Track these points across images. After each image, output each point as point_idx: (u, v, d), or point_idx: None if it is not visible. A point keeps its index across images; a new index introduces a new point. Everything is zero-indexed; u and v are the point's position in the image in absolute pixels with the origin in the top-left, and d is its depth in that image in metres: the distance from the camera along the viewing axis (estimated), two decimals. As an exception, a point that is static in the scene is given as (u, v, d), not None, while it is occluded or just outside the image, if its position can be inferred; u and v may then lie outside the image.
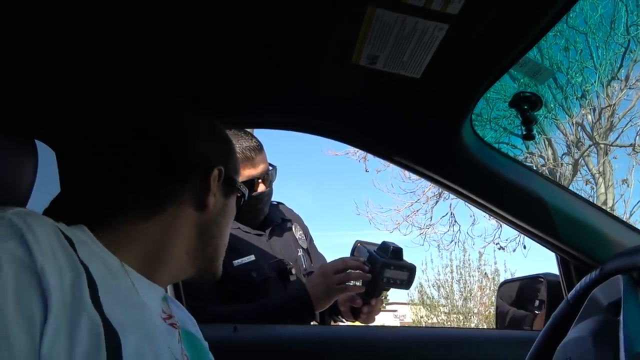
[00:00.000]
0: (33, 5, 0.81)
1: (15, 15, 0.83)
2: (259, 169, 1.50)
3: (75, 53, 0.94)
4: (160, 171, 0.68)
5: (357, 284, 1.36)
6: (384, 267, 1.24)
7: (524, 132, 0.97)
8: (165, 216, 0.67)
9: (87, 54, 0.94)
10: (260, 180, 1.50)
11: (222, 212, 0.74)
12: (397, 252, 1.26)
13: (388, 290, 1.34)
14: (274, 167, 1.58)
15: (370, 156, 9.58)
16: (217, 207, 0.72)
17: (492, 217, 1.20)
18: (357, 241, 1.37)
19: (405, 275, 1.25)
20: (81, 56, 0.95)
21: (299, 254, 1.62)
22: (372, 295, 1.34)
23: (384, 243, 1.29)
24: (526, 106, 0.96)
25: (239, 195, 0.78)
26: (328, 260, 1.58)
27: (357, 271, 1.29)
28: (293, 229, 1.68)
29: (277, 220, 1.64)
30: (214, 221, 0.73)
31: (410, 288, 1.33)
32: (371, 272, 1.27)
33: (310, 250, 1.72)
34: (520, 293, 1.36)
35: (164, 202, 0.67)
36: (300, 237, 1.68)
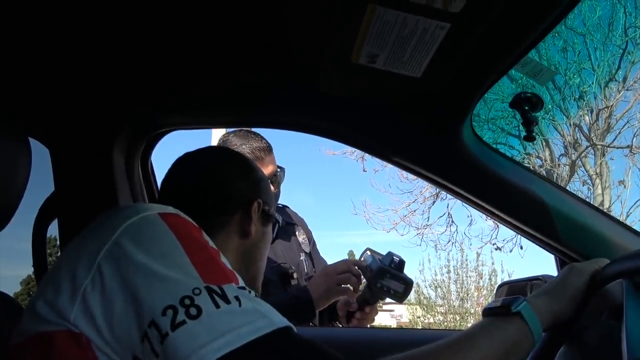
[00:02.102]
0: (28, 4, 0.79)
1: (11, 14, 0.82)
2: (268, 169, 1.53)
3: (69, 49, 0.92)
4: (212, 208, 0.81)
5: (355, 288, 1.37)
6: (381, 272, 1.26)
7: (525, 134, 0.96)
8: (216, 242, 0.74)
9: (83, 51, 0.93)
10: (269, 181, 1.49)
11: (261, 238, 0.87)
12: (399, 263, 1.28)
13: (383, 299, 1.35)
14: (282, 169, 1.61)
15: (367, 156, 9.58)
16: (257, 234, 0.85)
17: (491, 219, 1.19)
18: (366, 248, 1.40)
19: (401, 288, 1.27)
20: (76, 52, 0.93)
21: (301, 258, 1.64)
22: (367, 302, 1.35)
23: (389, 253, 1.31)
24: (527, 107, 0.95)
25: (273, 222, 0.92)
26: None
27: (356, 275, 1.32)
28: (297, 232, 1.70)
29: (282, 224, 1.65)
30: (256, 246, 0.86)
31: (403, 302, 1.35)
32: (369, 277, 1.29)
33: (313, 255, 1.73)
34: (520, 295, 1.35)
35: (216, 232, 0.78)
36: (303, 241, 1.69)
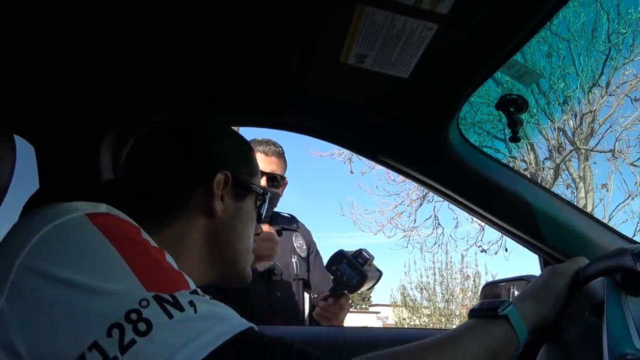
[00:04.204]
0: (16, 4, 0.79)
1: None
2: (269, 167, 1.66)
3: (58, 48, 0.92)
4: (167, 183, 0.69)
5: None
6: (338, 257, 1.28)
7: (510, 135, 0.98)
8: (177, 225, 0.68)
9: (72, 51, 0.92)
10: (265, 177, 1.64)
11: (236, 216, 0.74)
12: (364, 258, 1.28)
13: (341, 289, 1.35)
14: (284, 178, 1.72)
15: (355, 157, 9.60)
16: (228, 211, 0.72)
17: (476, 219, 1.20)
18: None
19: (355, 278, 1.27)
20: (65, 52, 0.93)
21: (293, 259, 1.71)
22: (331, 294, 1.39)
23: (361, 249, 1.33)
24: (512, 108, 0.97)
25: (258, 197, 0.78)
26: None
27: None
28: (294, 237, 1.77)
29: (277, 227, 1.73)
30: (229, 226, 0.73)
31: (355, 292, 1.36)
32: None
33: (312, 264, 1.79)
34: (504, 295, 1.37)
35: (175, 213, 0.68)
36: (299, 245, 1.77)
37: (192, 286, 0.52)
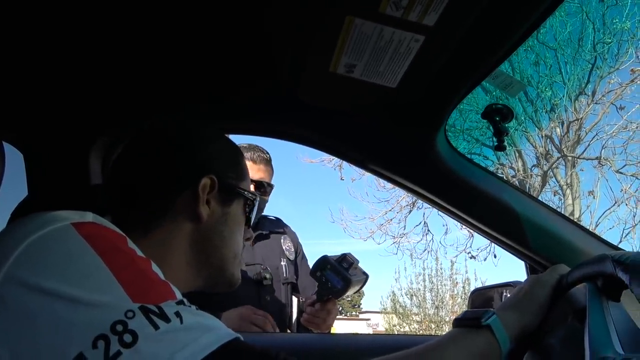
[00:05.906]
0: (4, 9, 0.79)
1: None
2: (257, 175, 1.64)
3: (46, 55, 0.92)
4: (152, 188, 0.69)
5: None
6: (322, 263, 1.28)
7: (496, 143, 0.99)
8: (163, 230, 0.68)
9: (61, 57, 0.93)
10: (253, 185, 1.61)
11: (222, 221, 0.73)
12: (348, 262, 1.28)
13: (326, 294, 1.34)
14: (272, 185, 1.72)
15: (345, 164, 9.64)
16: (215, 216, 0.72)
17: (464, 226, 1.21)
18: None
19: (339, 283, 1.27)
20: (54, 58, 0.93)
21: (282, 263, 1.70)
22: (317, 300, 1.39)
23: (344, 253, 1.32)
24: (498, 118, 0.99)
25: (247, 202, 0.78)
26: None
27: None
28: (282, 240, 1.76)
29: (265, 231, 1.74)
30: (215, 231, 0.72)
31: (340, 298, 1.35)
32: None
33: (300, 267, 1.78)
34: (492, 300, 1.38)
35: (160, 217, 0.68)
36: (287, 248, 1.76)
37: (179, 296, 0.52)
